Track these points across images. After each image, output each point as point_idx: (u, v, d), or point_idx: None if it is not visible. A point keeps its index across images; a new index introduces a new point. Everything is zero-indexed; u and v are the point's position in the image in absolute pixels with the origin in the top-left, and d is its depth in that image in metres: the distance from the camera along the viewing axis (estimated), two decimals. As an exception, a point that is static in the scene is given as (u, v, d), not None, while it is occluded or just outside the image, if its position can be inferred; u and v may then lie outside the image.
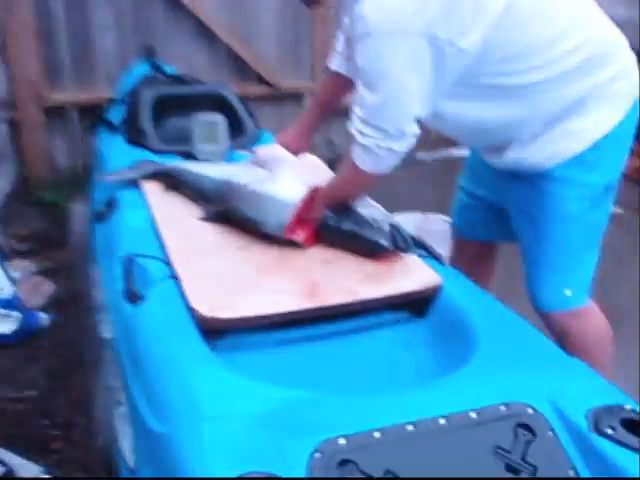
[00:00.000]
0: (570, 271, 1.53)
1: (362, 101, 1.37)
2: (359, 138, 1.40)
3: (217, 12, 3.62)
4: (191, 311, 1.26)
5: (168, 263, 1.43)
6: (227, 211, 1.62)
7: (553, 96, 1.39)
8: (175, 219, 1.64)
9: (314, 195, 1.56)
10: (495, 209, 1.72)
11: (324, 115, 1.85)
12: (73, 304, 2.42)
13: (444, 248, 1.82)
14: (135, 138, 2.22)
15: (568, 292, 1.53)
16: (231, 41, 3.62)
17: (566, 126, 1.42)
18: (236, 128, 2.25)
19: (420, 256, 1.53)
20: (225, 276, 1.39)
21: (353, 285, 1.37)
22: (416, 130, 1.39)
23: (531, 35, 1.34)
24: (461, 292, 1.41)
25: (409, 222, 2.17)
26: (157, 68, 2.89)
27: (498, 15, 1.29)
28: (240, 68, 3.75)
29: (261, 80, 3.76)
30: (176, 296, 1.32)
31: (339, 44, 1.76)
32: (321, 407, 1.03)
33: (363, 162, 1.43)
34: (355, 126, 1.40)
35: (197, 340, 1.21)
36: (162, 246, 1.50)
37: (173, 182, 1.81)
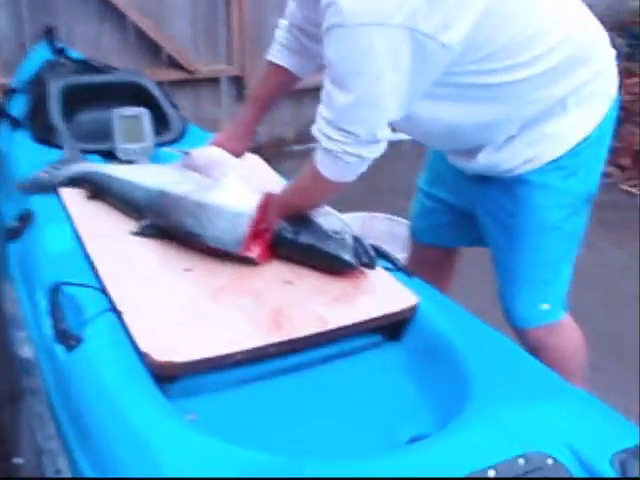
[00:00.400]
0: (547, 284, 1.44)
1: (330, 100, 1.21)
2: (324, 142, 1.23)
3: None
4: (140, 355, 1.07)
5: (103, 291, 1.23)
6: (166, 226, 1.41)
7: (534, 97, 1.28)
8: (104, 235, 1.42)
9: (266, 203, 1.39)
10: (460, 213, 1.61)
11: (264, 113, 1.66)
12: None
13: (392, 250, 1.70)
14: (43, 135, 1.95)
15: (545, 306, 1.44)
16: (141, 21, 3.33)
17: (544, 128, 1.32)
18: (160, 122, 2.02)
19: (385, 269, 1.39)
20: (174, 306, 1.20)
21: (320, 310, 1.22)
22: (388, 134, 1.24)
23: (513, 32, 1.22)
24: (439, 310, 1.28)
25: (355, 222, 2.03)
26: (60, 52, 2.59)
27: (483, 9, 1.16)
28: (151, 51, 3.47)
29: (175, 64, 3.49)
30: (119, 334, 1.12)
31: (281, 33, 1.58)
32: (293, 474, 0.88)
33: (327, 169, 1.27)
34: (320, 128, 1.24)
35: (150, 389, 1.03)
36: (93, 269, 1.29)
37: (96, 189, 1.58)
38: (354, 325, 1.21)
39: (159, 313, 1.17)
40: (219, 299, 1.23)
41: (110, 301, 1.20)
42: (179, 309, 1.18)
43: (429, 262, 1.74)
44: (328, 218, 1.41)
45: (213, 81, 3.63)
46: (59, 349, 1.12)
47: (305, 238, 1.35)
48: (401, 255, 1.83)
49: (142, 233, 1.43)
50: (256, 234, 1.37)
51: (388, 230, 2.16)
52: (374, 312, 1.23)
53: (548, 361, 1.43)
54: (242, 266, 1.35)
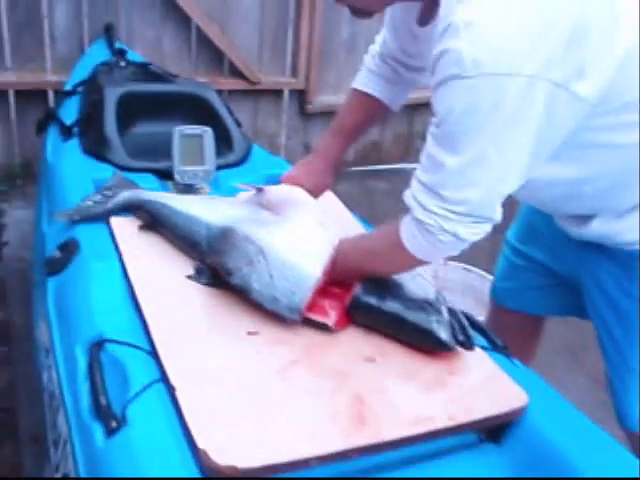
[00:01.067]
0: None
1: (434, 164, 0.99)
2: (418, 212, 1.02)
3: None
4: (195, 449, 0.87)
5: (154, 355, 1.03)
6: (221, 269, 1.20)
7: None
8: (157, 279, 1.22)
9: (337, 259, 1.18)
10: (558, 278, 1.38)
11: (349, 145, 1.45)
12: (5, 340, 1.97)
13: (464, 305, 1.48)
14: (94, 147, 1.77)
15: None
16: (206, 26, 3.15)
17: None
18: (222, 141, 1.83)
19: (482, 347, 1.17)
20: (237, 385, 0.99)
21: (411, 405, 1.00)
22: (499, 216, 1.02)
23: None
24: (548, 410, 1.06)
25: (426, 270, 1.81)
26: (119, 53, 2.43)
27: (624, 53, 0.94)
28: (213, 58, 3.29)
29: (236, 73, 3.31)
30: (169, 417, 0.92)
31: (373, 60, 1.38)
32: None
33: (413, 243, 1.05)
34: (415, 195, 1.03)
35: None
36: (142, 323, 1.10)
37: (151, 219, 1.39)
38: (451, 428, 0.99)
39: (219, 394, 0.96)
40: (290, 379, 1.02)
41: (161, 369, 1.00)
42: (243, 389, 0.98)
43: (511, 328, 1.50)
44: (419, 282, 1.19)
45: (275, 93, 3.44)
46: (97, 431, 0.92)
47: (392, 306, 1.14)
48: (478, 312, 1.61)
49: (199, 279, 1.24)
50: (329, 295, 1.16)
51: (462, 281, 1.94)
52: (476, 413, 1.01)
53: None
54: (315, 333, 1.14)
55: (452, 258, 2.11)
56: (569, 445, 0.99)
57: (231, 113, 1.98)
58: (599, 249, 1.22)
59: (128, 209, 1.43)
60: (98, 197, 1.45)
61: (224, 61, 3.29)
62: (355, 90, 1.40)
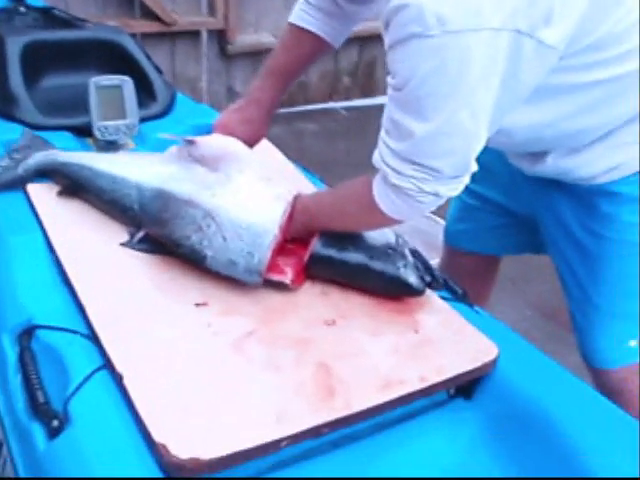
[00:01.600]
0: (636, 317, 1.18)
1: (400, 131, 0.92)
2: (393, 178, 0.94)
3: None
4: (151, 444, 0.78)
5: (92, 338, 0.93)
6: (163, 237, 1.11)
7: (631, 94, 1.01)
8: (88, 253, 1.10)
9: (294, 216, 1.09)
10: (513, 216, 1.34)
11: (285, 89, 1.33)
12: None
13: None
14: (0, 105, 1.59)
15: (633, 343, 1.20)
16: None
17: (635, 129, 1.05)
18: (143, 91, 1.68)
19: (442, 298, 1.12)
20: (189, 366, 0.90)
21: (380, 369, 0.94)
22: (475, 167, 0.96)
23: (613, 21, 0.95)
24: (517, 360, 1.02)
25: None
26: (18, -2, 2.20)
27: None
28: (122, -1, 3.06)
29: (149, 14, 3.08)
30: (117, 407, 0.83)
31: None
32: None
33: (390, 206, 0.98)
34: (387, 161, 0.95)
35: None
36: (77, 303, 0.99)
37: (72, 184, 1.25)
38: (422, 390, 0.94)
39: (171, 378, 0.87)
40: (248, 352, 0.94)
41: (104, 354, 0.90)
42: (197, 370, 0.89)
43: (466, 271, 1.46)
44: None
45: (193, 34, 3.24)
46: (38, 432, 0.81)
47: (354, 256, 1.07)
48: (433, 261, 1.57)
49: (135, 247, 1.13)
50: (283, 252, 1.08)
51: (411, 225, 1.87)
52: (447, 371, 0.95)
53: (628, 405, 1.21)
54: (269, 298, 1.06)
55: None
56: (542, 395, 0.95)
57: (149, 59, 1.82)
58: (557, 185, 1.18)
59: (43, 174, 1.28)
60: (6, 161, 1.29)
61: (134, 2, 3.06)
62: (290, 25, 1.28)
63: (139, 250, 1.12)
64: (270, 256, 1.04)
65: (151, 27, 3.07)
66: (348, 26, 1.27)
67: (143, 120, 1.58)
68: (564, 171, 1.14)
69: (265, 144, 1.55)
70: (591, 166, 1.11)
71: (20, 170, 1.27)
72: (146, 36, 3.04)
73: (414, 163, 0.92)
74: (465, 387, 1.00)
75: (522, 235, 1.37)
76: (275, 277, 1.06)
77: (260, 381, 0.89)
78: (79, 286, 1.00)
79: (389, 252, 1.07)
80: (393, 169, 0.94)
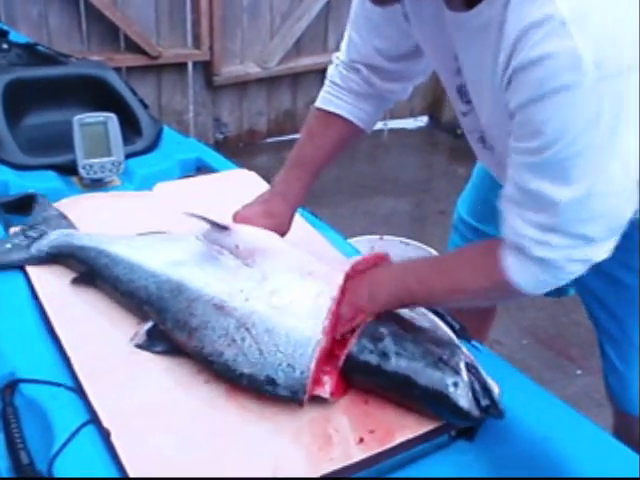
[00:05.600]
0: None
1: (541, 201, 0.80)
2: (536, 250, 0.83)
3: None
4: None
5: (79, 391, 0.89)
6: (194, 353, 0.95)
7: None
8: (91, 348, 0.97)
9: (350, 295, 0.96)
10: None
11: (314, 180, 1.18)
12: None
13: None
14: (-19, 146, 1.56)
15: None
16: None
17: None
18: (128, 127, 1.66)
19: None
20: (182, 424, 0.85)
21: (381, 415, 0.91)
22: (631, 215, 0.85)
23: None
24: (520, 400, 0.99)
25: (363, 246, 1.72)
26: (0, 34, 2.18)
27: None
28: (107, 33, 3.05)
29: (134, 47, 3.07)
30: (105, 468, 0.79)
31: (339, 71, 1.14)
32: None
33: (532, 281, 0.87)
34: (526, 234, 0.83)
35: None
36: (62, 354, 0.95)
37: (87, 270, 1.11)
38: (421, 436, 0.90)
39: (161, 433, 0.83)
40: (242, 400, 0.90)
41: (90, 408, 0.86)
42: (189, 425, 0.85)
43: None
44: (428, 326, 0.98)
45: (179, 67, 3.23)
46: (19, 497, 0.78)
47: (397, 365, 0.90)
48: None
49: (151, 347, 0.98)
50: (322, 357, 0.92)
51: (401, 255, 1.85)
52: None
53: None
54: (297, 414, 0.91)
55: (388, 232, 2.04)
56: (546, 434, 0.92)
57: (135, 94, 1.80)
58: None
59: (56, 256, 1.15)
60: (20, 238, 1.17)
61: (119, 36, 3.06)
62: (317, 110, 1.16)
63: (156, 353, 0.97)
64: (315, 367, 0.89)
65: (136, 60, 3.06)
66: (381, 107, 1.17)
67: (129, 156, 1.56)
68: None
69: (251, 176, 1.54)
70: None
71: (33, 250, 1.15)
72: (132, 69, 3.03)
73: (561, 233, 0.81)
74: (467, 428, 0.97)
75: None
76: (312, 391, 0.89)
77: (255, 432, 0.85)
78: (64, 335, 0.96)
79: (439, 364, 0.90)
80: (536, 241, 0.82)
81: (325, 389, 0.89)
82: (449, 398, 0.87)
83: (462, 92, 0.97)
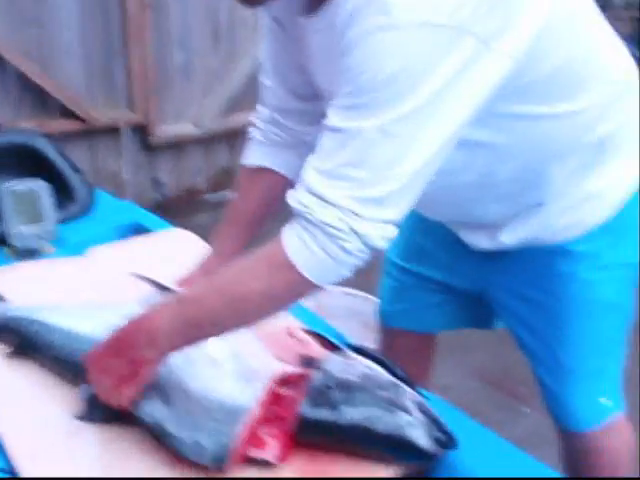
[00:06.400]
0: (604, 372, 1.18)
1: (341, 139, 0.81)
2: (317, 211, 0.81)
3: (6, 31, 2.86)
4: None
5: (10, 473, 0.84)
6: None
7: (577, 134, 1.00)
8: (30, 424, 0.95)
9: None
10: (456, 293, 1.31)
11: (250, 236, 1.20)
12: None
13: (350, 330, 1.40)
14: None
15: (604, 400, 1.17)
16: (24, 66, 2.88)
17: (586, 184, 1.05)
18: (60, 192, 1.63)
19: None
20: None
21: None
22: (402, 217, 0.85)
23: (565, 54, 0.93)
24: (471, 445, 0.98)
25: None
26: None
27: (543, 20, 0.85)
28: (37, 99, 3.02)
29: (66, 112, 3.06)
30: None
31: (259, 126, 1.18)
32: None
33: (309, 258, 0.82)
34: (314, 189, 0.82)
35: None
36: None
37: (21, 341, 1.09)
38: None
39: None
40: None
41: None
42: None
43: (404, 351, 1.42)
44: (370, 372, 0.96)
45: (112, 131, 3.22)
46: None
47: (350, 415, 0.88)
48: (364, 337, 1.53)
49: (92, 417, 0.96)
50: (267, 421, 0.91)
51: (346, 306, 1.85)
52: (394, 465, 0.91)
53: (603, 468, 1.22)
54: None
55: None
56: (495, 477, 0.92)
57: (66, 159, 1.78)
58: (505, 253, 1.15)
59: None
60: None
61: (50, 102, 3.04)
62: (244, 168, 1.20)
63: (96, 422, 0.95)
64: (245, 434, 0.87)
65: (69, 125, 3.04)
66: (304, 155, 1.14)
67: (63, 222, 1.54)
68: (525, 243, 1.11)
69: (187, 235, 1.53)
70: (546, 231, 1.09)
71: None
72: (65, 134, 3.00)
73: (349, 179, 0.79)
74: (416, 477, 0.96)
75: (464, 310, 1.34)
76: (256, 454, 0.88)
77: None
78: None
79: (390, 407, 0.89)
80: (319, 196, 0.81)
81: (270, 452, 0.87)
82: (407, 439, 0.86)
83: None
